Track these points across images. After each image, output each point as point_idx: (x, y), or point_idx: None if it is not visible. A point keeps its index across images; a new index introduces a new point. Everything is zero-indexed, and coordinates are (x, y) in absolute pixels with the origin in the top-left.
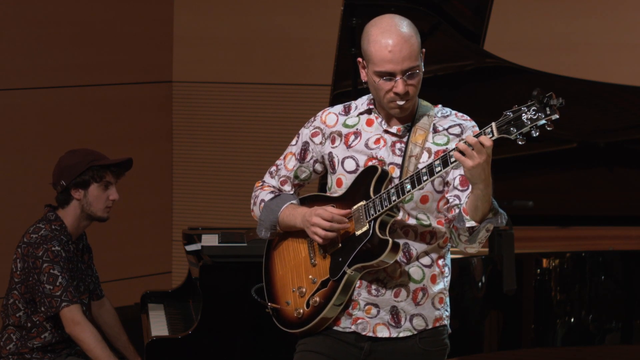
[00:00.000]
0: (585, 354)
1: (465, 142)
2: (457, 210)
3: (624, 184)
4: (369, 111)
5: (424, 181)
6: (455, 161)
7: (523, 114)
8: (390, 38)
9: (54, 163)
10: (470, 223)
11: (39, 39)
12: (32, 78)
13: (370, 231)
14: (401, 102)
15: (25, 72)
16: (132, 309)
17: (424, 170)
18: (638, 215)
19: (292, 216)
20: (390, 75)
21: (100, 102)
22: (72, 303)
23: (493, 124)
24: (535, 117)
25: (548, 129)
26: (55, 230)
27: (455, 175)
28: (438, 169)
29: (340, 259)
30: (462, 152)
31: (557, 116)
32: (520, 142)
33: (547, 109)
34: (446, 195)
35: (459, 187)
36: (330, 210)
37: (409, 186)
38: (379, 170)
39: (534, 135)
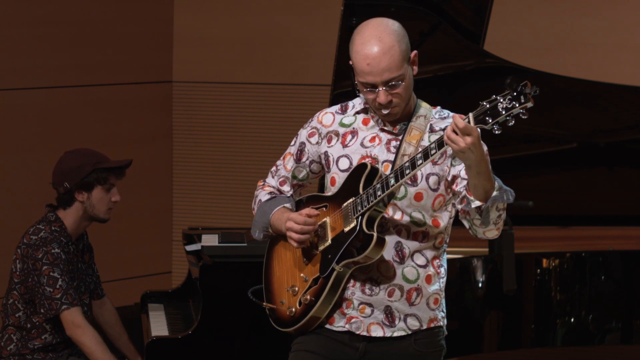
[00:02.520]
0: (585, 354)
1: (451, 127)
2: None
3: (624, 184)
4: (365, 110)
5: (419, 165)
6: (438, 150)
7: (499, 104)
8: (369, 49)
9: (53, 163)
10: (475, 203)
11: (39, 39)
12: (32, 78)
13: (357, 227)
14: (386, 111)
15: (25, 72)
16: (132, 309)
17: (409, 161)
18: (638, 215)
19: (279, 220)
20: (371, 87)
21: (100, 102)
22: (73, 306)
23: (470, 114)
24: (510, 105)
25: (523, 117)
26: (55, 231)
27: (458, 168)
28: (433, 151)
29: (329, 256)
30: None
31: (531, 104)
32: (496, 132)
33: (522, 97)
34: (455, 190)
35: (465, 177)
36: (307, 212)
37: (392, 180)
38: (369, 167)
39: (510, 124)
